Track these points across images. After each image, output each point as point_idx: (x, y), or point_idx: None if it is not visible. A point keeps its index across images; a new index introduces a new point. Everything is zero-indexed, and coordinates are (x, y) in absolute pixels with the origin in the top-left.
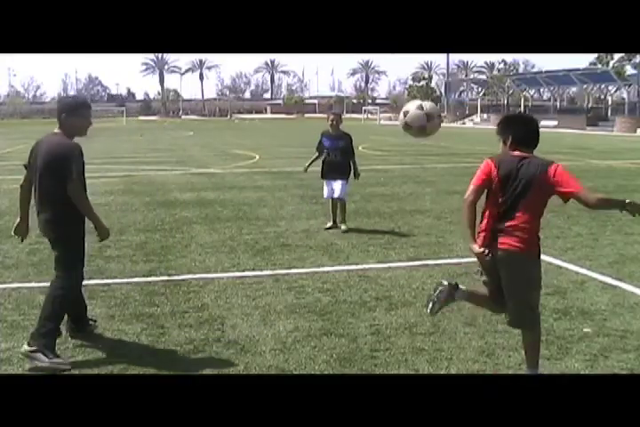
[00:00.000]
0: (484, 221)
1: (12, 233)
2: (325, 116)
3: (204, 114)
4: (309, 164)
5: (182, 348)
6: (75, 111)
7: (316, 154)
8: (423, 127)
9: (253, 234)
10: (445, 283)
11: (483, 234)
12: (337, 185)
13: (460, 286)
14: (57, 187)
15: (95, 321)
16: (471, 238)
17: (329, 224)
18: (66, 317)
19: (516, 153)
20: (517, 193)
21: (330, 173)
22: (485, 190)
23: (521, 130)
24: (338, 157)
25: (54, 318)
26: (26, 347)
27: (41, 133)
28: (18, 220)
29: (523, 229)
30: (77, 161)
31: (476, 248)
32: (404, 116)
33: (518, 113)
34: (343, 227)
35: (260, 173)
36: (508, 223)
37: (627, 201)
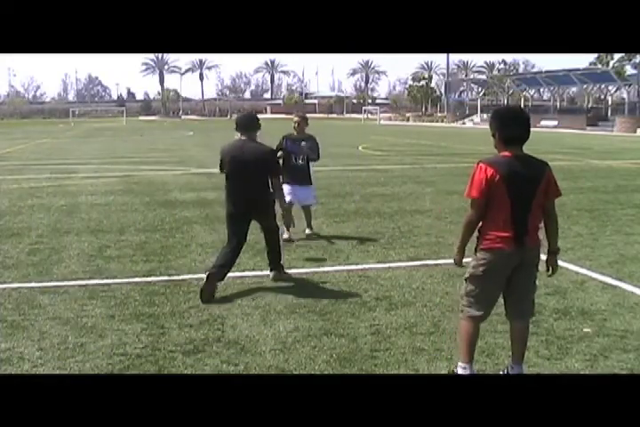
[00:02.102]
0: (492, 226)
1: None
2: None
3: (203, 114)
4: None
5: (182, 348)
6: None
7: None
8: None
9: (253, 234)
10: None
11: (495, 238)
12: (304, 192)
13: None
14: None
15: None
16: (462, 252)
17: (286, 235)
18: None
19: (508, 153)
20: (527, 194)
21: (294, 178)
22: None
23: (510, 126)
24: (302, 161)
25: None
26: (274, 274)
27: (41, 133)
28: None
29: (537, 228)
30: (276, 158)
31: (461, 262)
32: None
33: (508, 107)
34: (308, 231)
35: None
36: (526, 225)
37: (553, 253)
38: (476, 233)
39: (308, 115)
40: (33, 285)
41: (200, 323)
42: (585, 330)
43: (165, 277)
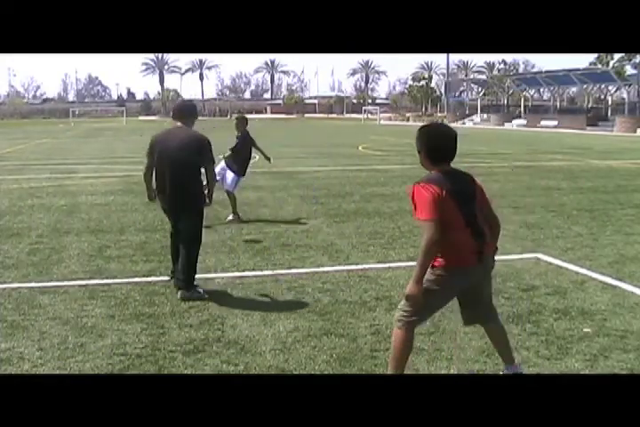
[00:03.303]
0: (450, 244)
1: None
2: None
3: (204, 114)
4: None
5: (182, 348)
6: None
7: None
8: None
9: (253, 234)
10: None
11: (454, 257)
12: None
13: None
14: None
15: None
16: (421, 283)
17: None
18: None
19: (439, 169)
20: (471, 206)
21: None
22: None
23: (437, 145)
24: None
25: (194, 264)
26: (181, 294)
27: (41, 133)
28: (148, 192)
29: (489, 235)
30: (208, 146)
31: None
32: None
33: (436, 124)
34: (231, 217)
35: (260, 172)
36: (483, 237)
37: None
38: None
39: (307, 115)
40: (33, 285)
41: (200, 323)
42: (585, 330)
43: (165, 277)
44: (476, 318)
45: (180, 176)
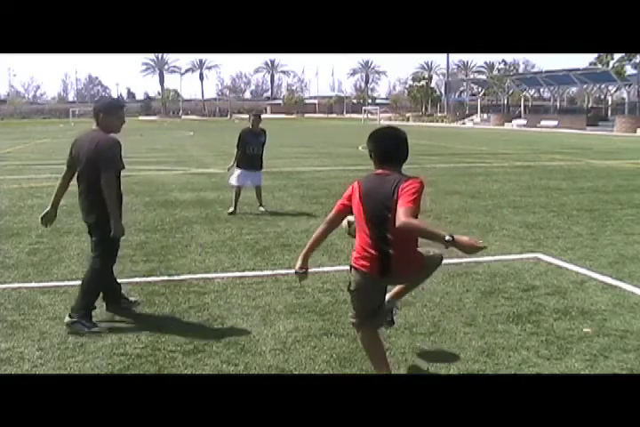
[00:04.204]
0: (357, 245)
1: (40, 219)
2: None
3: (204, 114)
4: (233, 163)
5: (182, 348)
6: (108, 111)
7: (237, 151)
8: None
9: (253, 234)
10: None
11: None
12: (256, 175)
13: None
14: (97, 177)
15: (134, 302)
16: (303, 254)
17: (232, 209)
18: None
19: (379, 171)
20: (381, 214)
21: (250, 164)
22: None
23: (381, 146)
24: (257, 150)
25: (90, 293)
26: (67, 318)
27: (41, 133)
28: (49, 208)
29: (407, 254)
30: (111, 150)
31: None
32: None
33: (383, 128)
34: (262, 208)
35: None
36: (388, 250)
37: (446, 238)
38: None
39: (307, 115)
40: (33, 285)
41: (200, 323)
42: (585, 330)
43: (165, 277)
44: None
45: (83, 189)
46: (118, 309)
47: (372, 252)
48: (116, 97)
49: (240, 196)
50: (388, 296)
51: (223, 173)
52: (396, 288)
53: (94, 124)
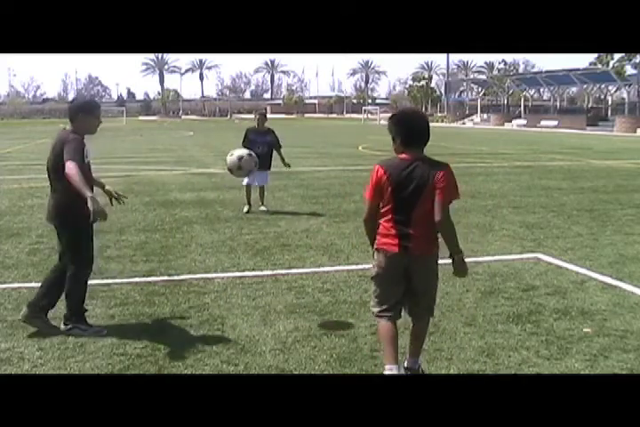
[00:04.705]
0: (381, 228)
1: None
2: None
3: (204, 114)
4: None
5: (182, 348)
6: (88, 111)
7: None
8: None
9: (253, 234)
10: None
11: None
12: (263, 175)
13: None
14: (59, 177)
15: (50, 325)
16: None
17: (247, 208)
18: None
19: (404, 155)
20: (411, 197)
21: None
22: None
23: (409, 128)
24: (264, 149)
25: (74, 299)
26: (62, 326)
27: (41, 133)
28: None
29: (427, 235)
30: (71, 143)
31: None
32: (239, 160)
33: (407, 110)
34: (263, 208)
35: None
36: (408, 231)
37: (459, 252)
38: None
39: (307, 115)
40: (33, 285)
41: (200, 323)
42: (585, 330)
43: (165, 277)
44: (409, 311)
45: (51, 191)
46: (29, 317)
47: (395, 232)
48: (90, 97)
49: (251, 193)
50: (407, 357)
51: (223, 173)
52: (410, 346)
53: (68, 124)
